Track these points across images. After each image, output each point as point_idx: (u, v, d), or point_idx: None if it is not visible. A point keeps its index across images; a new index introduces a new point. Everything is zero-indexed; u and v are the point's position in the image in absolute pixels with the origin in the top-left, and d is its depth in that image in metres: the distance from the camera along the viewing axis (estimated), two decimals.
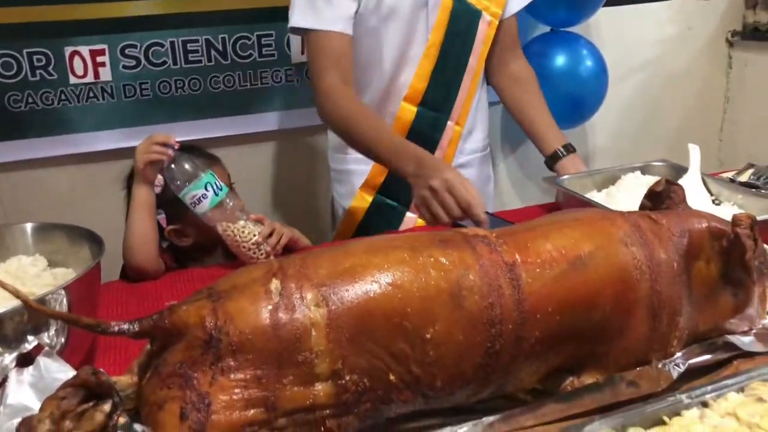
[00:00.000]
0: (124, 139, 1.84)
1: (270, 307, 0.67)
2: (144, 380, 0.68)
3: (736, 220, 0.85)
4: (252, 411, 0.64)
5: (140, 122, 1.87)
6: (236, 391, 0.64)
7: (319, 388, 0.67)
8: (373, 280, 0.70)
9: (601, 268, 0.78)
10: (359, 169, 1.60)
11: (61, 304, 0.86)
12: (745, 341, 0.86)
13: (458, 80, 1.58)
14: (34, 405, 0.78)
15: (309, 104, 2.09)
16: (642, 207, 0.96)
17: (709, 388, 0.76)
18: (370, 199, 1.57)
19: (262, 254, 1.28)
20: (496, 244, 0.77)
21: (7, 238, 1.03)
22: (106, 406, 0.70)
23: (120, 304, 1.16)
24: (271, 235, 1.31)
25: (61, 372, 0.81)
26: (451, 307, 0.71)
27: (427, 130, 1.59)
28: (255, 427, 0.64)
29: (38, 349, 0.83)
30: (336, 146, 1.64)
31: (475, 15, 1.57)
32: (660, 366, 0.80)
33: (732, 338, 0.86)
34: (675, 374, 0.80)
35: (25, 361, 0.81)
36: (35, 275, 0.97)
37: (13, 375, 0.78)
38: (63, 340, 0.86)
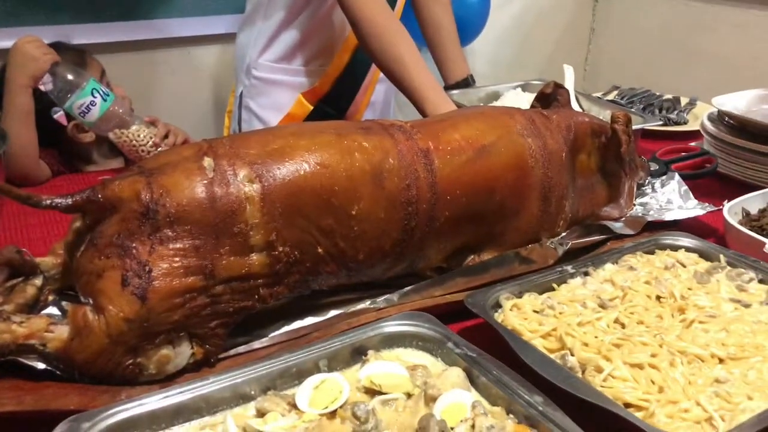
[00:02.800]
0: None
1: (205, 181, 0.69)
2: (78, 253, 0.69)
3: (614, 117, 0.96)
4: (191, 278, 0.67)
5: (13, 22, 1.72)
6: (176, 259, 0.67)
7: (254, 258, 0.71)
8: (302, 160, 0.74)
9: (501, 156, 0.86)
10: (296, 81, 1.56)
11: None
12: (617, 226, 0.99)
13: None
14: None
15: (199, 12, 2.03)
16: (532, 107, 1.06)
17: (590, 260, 0.88)
18: (311, 106, 1.55)
19: None
20: (411, 132, 0.84)
21: None
22: (38, 281, 0.71)
23: (6, 204, 1.11)
24: (167, 136, 1.30)
25: None
26: (374, 187, 0.77)
27: None
28: (194, 294, 0.67)
29: None
30: (277, 57, 1.54)
31: None
32: (548, 244, 0.91)
33: (606, 223, 0.99)
34: (560, 251, 0.91)
35: None
36: None
37: None
38: None
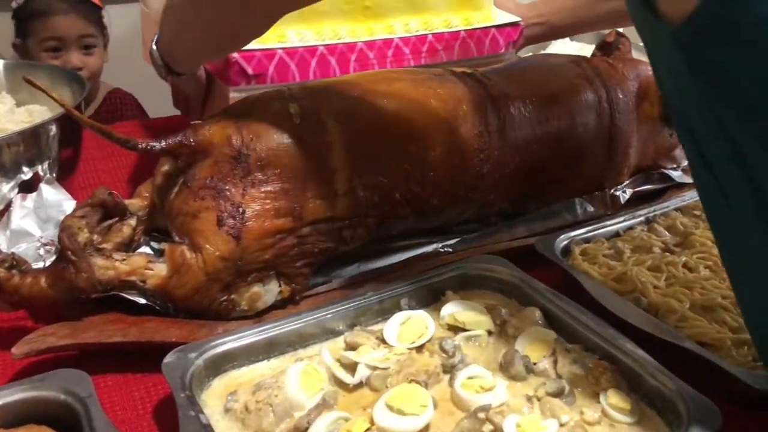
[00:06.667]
0: None
1: (293, 127, 0.72)
2: (171, 195, 0.72)
3: None
4: (281, 220, 0.70)
5: None
6: (267, 201, 0.70)
7: (338, 201, 0.74)
8: (381, 107, 0.76)
9: (571, 103, 0.87)
10: None
11: (54, 139, 0.86)
12: (675, 174, 1.00)
13: None
14: (35, 231, 0.81)
15: None
16: (593, 56, 1.06)
17: (654, 208, 0.90)
18: None
19: None
20: (482, 80, 0.85)
21: None
22: (132, 221, 0.75)
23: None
24: None
25: (64, 201, 0.84)
26: (448, 134, 0.79)
27: None
28: (283, 234, 0.70)
29: (37, 177, 0.84)
30: None
31: None
32: (612, 191, 0.93)
33: (667, 171, 1.00)
34: (623, 199, 0.93)
35: (27, 188, 0.82)
36: (8, 111, 0.95)
37: (17, 201, 0.80)
38: (54, 174, 0.87)
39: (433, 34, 1.01)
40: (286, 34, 0.92)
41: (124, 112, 1.81)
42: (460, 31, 1.02)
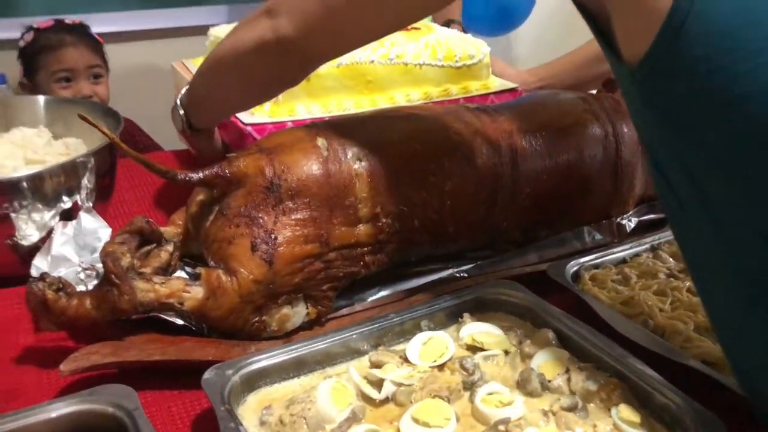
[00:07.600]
0: None
1: (321, 159, 0.77)
2: (206, 223, 0.77)
3: None
4: (310, 246, 0.75)
5: None
6: (297, 228, 0.74)
7: (362, 228, 0.78)
8: (401, 141, 0.81)
9: (578, 137, 0.93)
10: None
11: (91, 170, 0.91)
12: None
13: None
14: (73, 257, 0.86)
15: None
16: (599, 92, 1.12)
17: (659, 236, 0.94)
18: None
19: None
20: (495, 115, 0.90)
21: (18, 110, 1.05)
22: (169, 247, 0.79)
23: None
24: None
25: (100, 228, 0.88)
26: (465, 164, 0.84)
27: None
28: (311, 259, 0.75)
29: (76, 206, 0.89)
30: None
31: None
32: (618, 220, 0.98)
33: None
34: (629, 228, 0.98)
35: (67, 216, 0.87)
36: (46, 144, 1.01)
37: (58, 228, 0.85)
38: (90, 204, 0.92)
39: (432, 102, 1.09)
40: (295, 108, 1.01)
41: (138, 139, 1.87)
42: (459, 98, 1.10)
